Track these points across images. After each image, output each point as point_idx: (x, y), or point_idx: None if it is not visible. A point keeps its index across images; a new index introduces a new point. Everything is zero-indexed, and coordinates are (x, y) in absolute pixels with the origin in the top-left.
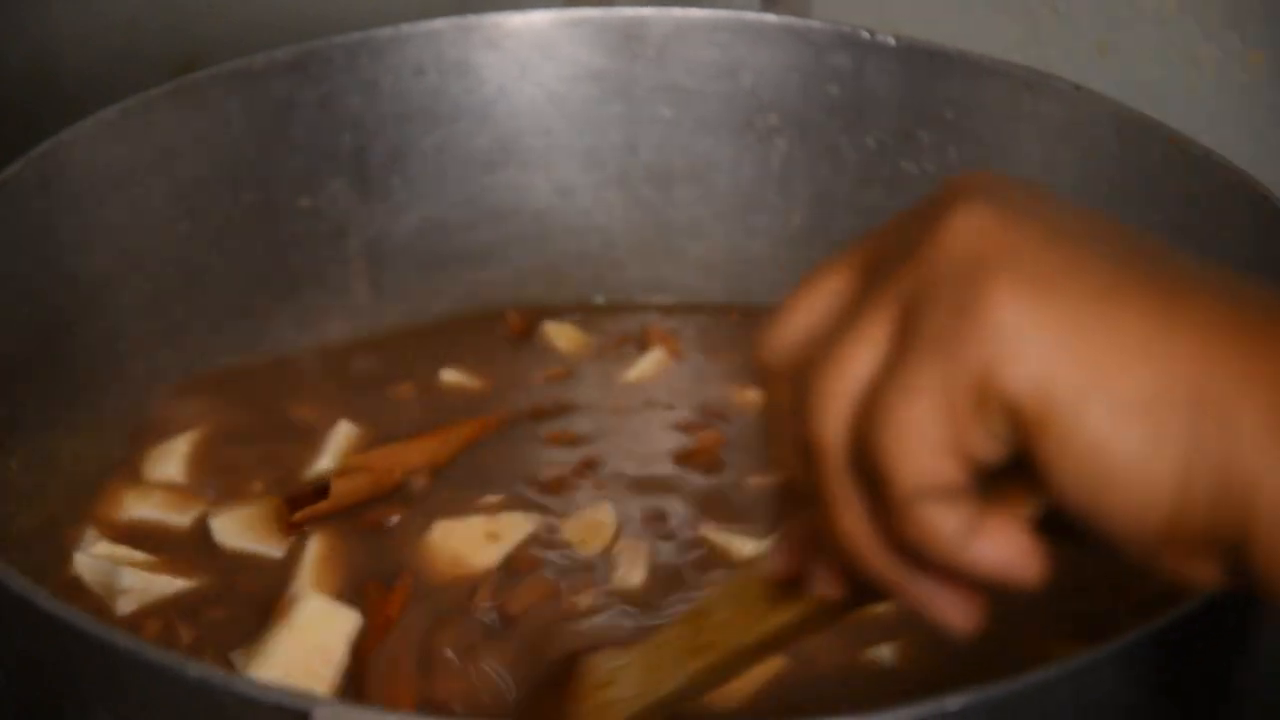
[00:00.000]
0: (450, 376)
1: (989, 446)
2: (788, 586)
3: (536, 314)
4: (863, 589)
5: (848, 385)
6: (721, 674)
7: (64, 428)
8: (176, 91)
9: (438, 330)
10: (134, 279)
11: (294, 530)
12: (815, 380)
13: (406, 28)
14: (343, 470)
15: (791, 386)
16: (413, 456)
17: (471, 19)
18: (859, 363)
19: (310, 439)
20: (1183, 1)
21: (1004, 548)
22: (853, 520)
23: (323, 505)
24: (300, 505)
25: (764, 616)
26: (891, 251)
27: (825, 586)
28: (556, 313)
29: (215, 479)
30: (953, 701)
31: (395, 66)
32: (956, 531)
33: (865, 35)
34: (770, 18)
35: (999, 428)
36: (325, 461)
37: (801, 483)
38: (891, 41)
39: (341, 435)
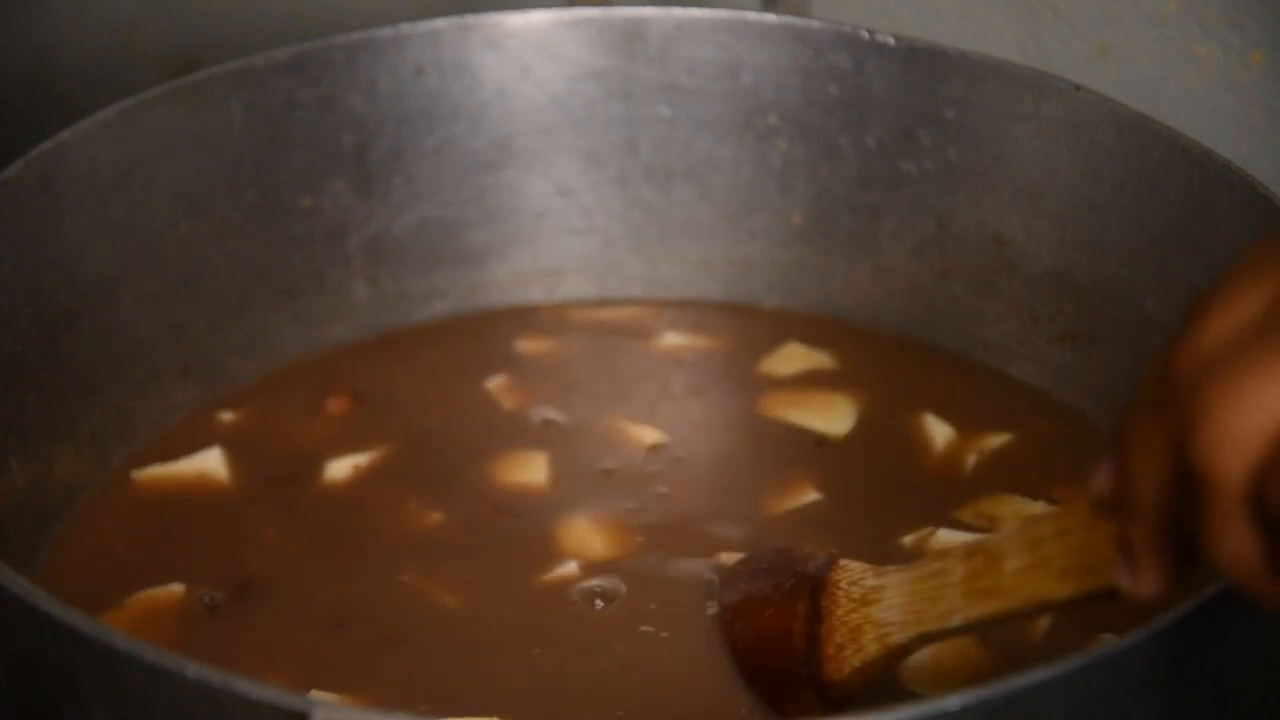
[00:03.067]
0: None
1: None
2: (1089, 553)
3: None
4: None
5: (1261, 423)
6: (993, 625)
7: (64, 427)
8: (176, 91)
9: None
10: (134, 279)
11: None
12: (1217, 410)
13: (406, 28)
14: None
15: (1178, 407)
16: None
17: (471, 19)
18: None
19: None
20: (1183, 1)
21: None
22: (1236, 545)
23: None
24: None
25: (1059, 581)
26: None
27: (1144, 584)
28: (555, 311)
29: None
30: (953, 701)
31: (395, 66)
32: None
33: (865, 35)
34: (770, 17)
35: None
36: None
37: (1160, 501)
38: (891, 41)
39: None
